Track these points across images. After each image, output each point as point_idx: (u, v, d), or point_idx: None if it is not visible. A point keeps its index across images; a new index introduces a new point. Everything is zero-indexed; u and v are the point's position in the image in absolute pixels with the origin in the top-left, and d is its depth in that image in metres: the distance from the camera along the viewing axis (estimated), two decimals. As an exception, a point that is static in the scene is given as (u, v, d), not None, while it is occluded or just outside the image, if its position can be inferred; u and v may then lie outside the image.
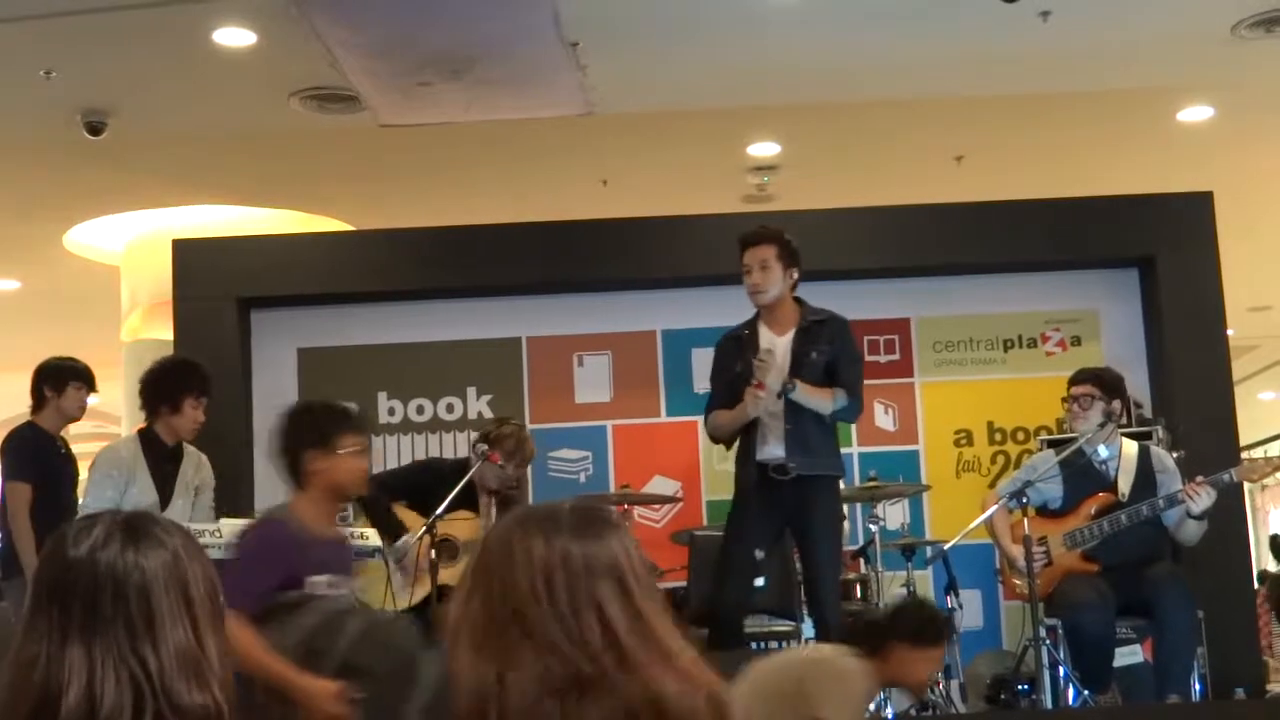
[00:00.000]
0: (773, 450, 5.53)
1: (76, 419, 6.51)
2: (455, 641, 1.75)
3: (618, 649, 1.71)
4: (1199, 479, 5.74)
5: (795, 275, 5.63)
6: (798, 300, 5.70)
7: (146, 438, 5.80)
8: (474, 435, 6.67)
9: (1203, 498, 5.68)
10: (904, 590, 6.42)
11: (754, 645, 6.32)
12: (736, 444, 5.70)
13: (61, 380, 6.36)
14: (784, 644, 6.34)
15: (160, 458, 5.77)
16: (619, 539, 1.79)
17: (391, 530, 5.97)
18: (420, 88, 7.10)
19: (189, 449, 5.90)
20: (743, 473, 5.63)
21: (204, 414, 5.83)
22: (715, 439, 5.84)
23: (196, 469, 5.92)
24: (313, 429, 3.95)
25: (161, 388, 5.80)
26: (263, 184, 9.08)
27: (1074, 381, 6.09)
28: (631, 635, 1.72)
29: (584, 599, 1.72)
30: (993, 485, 7.12)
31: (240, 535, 4.05)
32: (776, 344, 5.61)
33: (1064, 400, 6.19)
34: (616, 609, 1.73)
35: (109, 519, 1.75)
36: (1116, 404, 6.00)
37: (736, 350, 5.68)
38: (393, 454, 7.89)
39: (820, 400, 5.53)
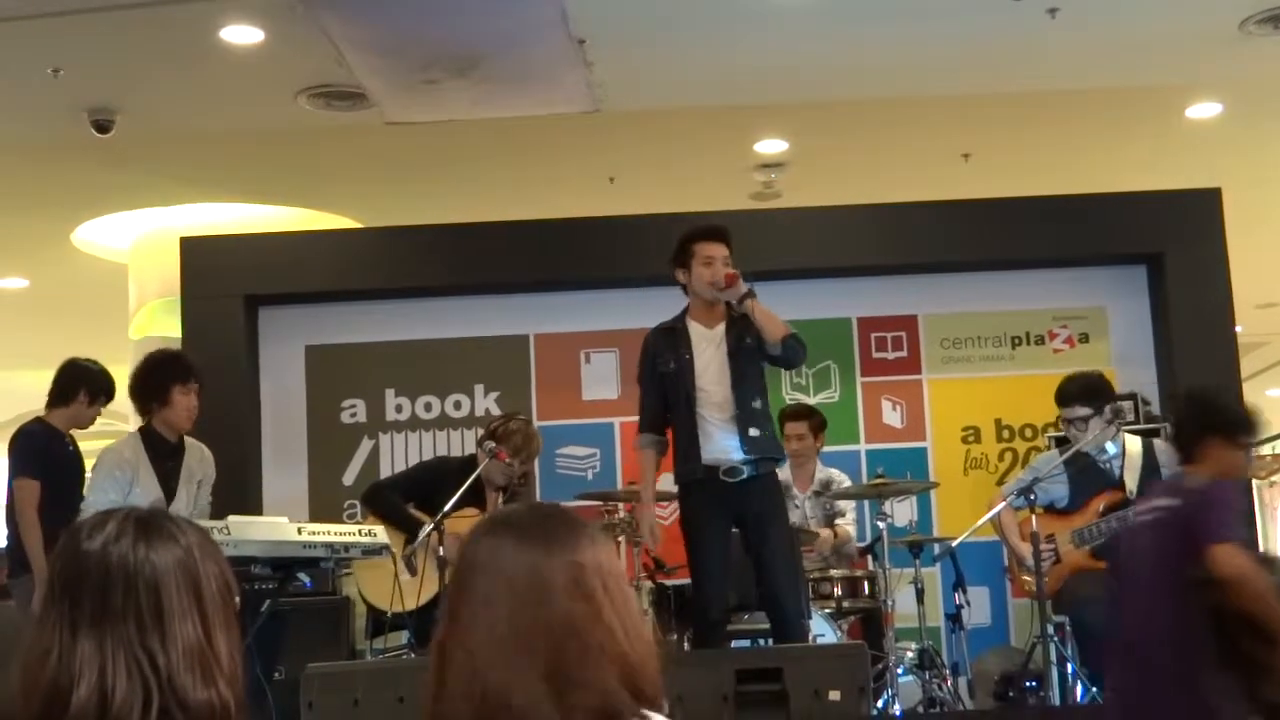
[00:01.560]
0: (719, 448, 5.48)
1: (85, 428, 6.55)
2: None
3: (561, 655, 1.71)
4: (1207, 476, 5.72)
5: None
6: None
7: (147, 435, 5.80)
8: (480, 432, 6.66)
9: (1211, 495, 5.66)
10: (912, 587, 6.40)
11: (755, 643, 6.31)
12: (673, 443, 5.63)
13: (98, 391, 6.45)
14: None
15: (162, 454, 5.76)
16: (581, 543, 1.79)
17: (411, 530, 5.97)
18: (427, 85, 7.10)
19: (190, 442, 5.89)
20: (687, 471, 5.54)
21: (197, 399, 5.82)
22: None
23: (200, 462, 5.90)
24: (1229, 419, 4.07)
25: (148, 384, 5.79)
26: (270, 181, 9.08)
27: (1062, 403, 6.03)
28: (575, 640, 1.72)
29: (533, 603, 1.73)
30: (1001, 483, 7.12)
31: (1193, 489, 4.01)
32: (709, 336, 5.61)
33: (1058, 420, 6.14)
34: (554, 613, 1.73)
35: (123, 515, 1.76)
36: (1109, 406, 5.97)
37: (671, 345, 5.63)
38: (400, 451, 7.91)
39: (775, 321, 5.48)
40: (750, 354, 5.56)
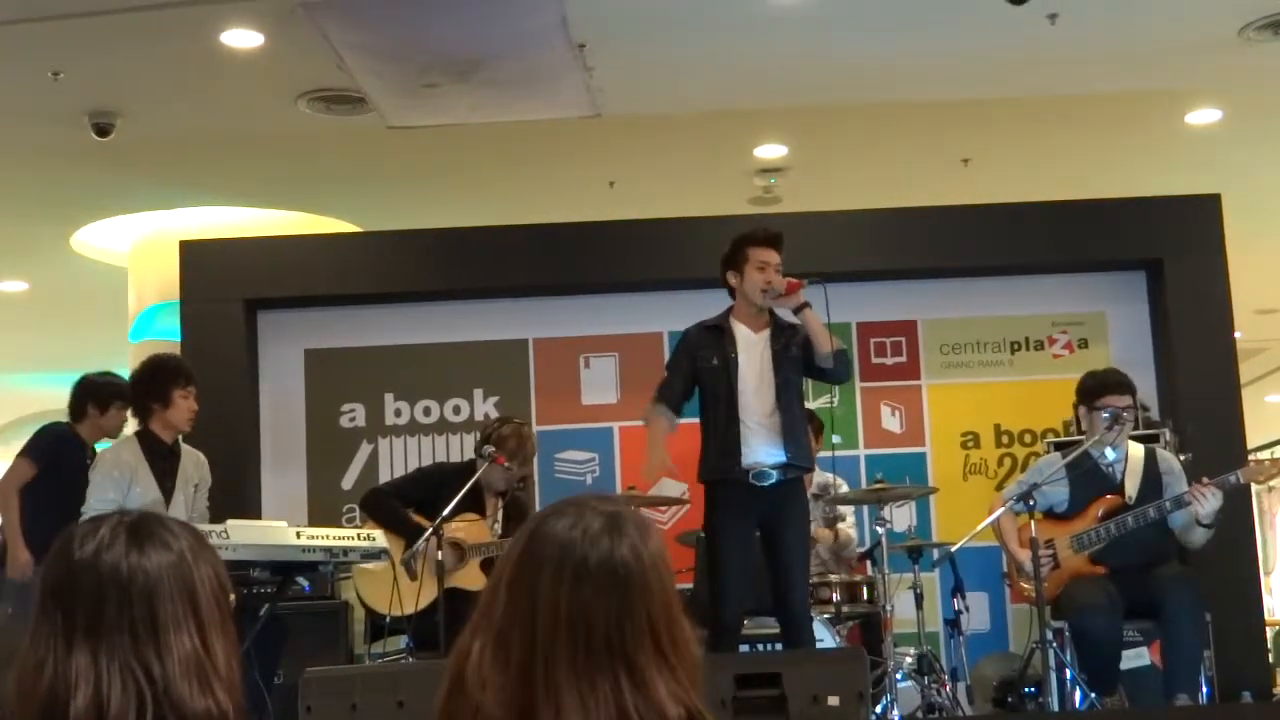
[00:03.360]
0: (759, 452, 5.48)
1: (114, 437, 6.63)
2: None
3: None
4: (1205, 480, 5.72)
5: None
6: None
7: (144, 438, 5.82)
8: (478, 436, 6.67)
9: (1209, 500, 5.65)
10: (911, 592, 6.39)
11: (753, 648, 6.31)
12: (704, 440, 5.63)
13: (107, 399, 6.62)
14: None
15: (159, 456, 5.79)
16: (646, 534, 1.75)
17: (410, 536, 5.97)
18: (427, 89, 7.10)
19: (186, 448, 5.92)
20: (722, 470, 5.51)
21: (196, 402, 5.87)
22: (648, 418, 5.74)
23: (196, 466, 5.93)
24: None
25: (149, 387, 5.85)
26: (270, 185, 9.08)
27: (1111, 390, 5.91)
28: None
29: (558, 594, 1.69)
30: (1000, 488, 7.11)
31: None
32: (754, 340, 5.61)
33: (1092, 409, 5.97)
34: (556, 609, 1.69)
35: (115, 520, 1.74)
36: (1109, 411, 5.96)
37: (715, 342, 5.61)
38: (399, 456, 7.90)
39: (826, 334, 5.48)
40: (794, 363, 5.57)
